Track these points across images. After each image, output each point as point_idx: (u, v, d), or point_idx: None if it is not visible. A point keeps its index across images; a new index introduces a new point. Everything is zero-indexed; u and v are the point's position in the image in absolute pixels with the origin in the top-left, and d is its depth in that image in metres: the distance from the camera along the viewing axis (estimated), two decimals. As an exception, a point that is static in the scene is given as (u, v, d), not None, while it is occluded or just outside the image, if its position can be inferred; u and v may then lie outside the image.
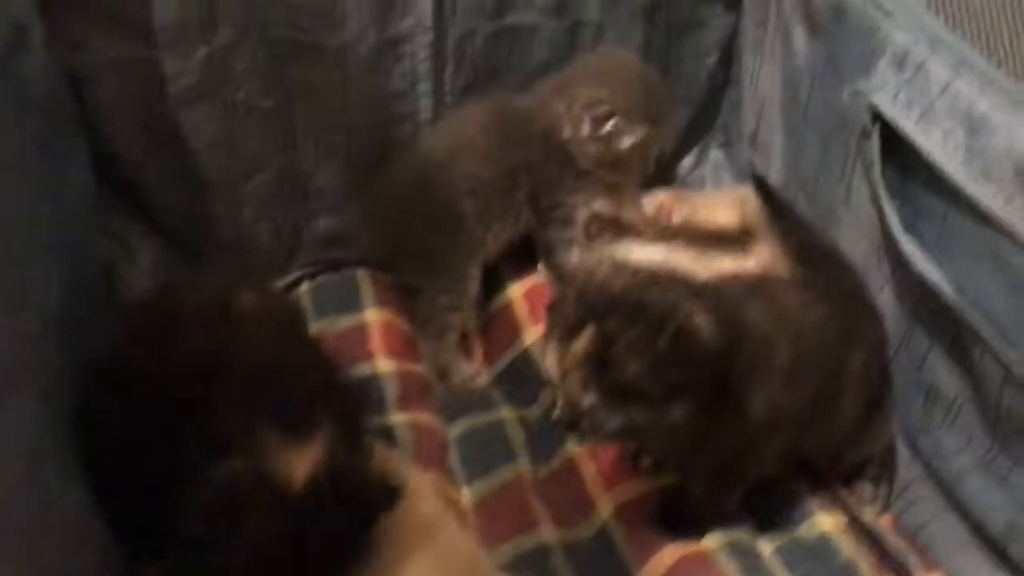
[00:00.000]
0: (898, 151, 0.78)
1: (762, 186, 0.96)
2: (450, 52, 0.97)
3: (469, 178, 0.94)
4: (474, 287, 0.97)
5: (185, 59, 0.87)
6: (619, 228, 1.01)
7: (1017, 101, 0.68)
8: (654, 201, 0.96)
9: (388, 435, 0.85)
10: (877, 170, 0.78)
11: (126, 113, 0.88)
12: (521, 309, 1.00)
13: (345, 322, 0.96)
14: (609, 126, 0.94)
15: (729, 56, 1.07)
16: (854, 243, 0.88)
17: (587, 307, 0.64)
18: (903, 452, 0.85)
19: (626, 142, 0.95)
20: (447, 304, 0.96)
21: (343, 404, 0.66)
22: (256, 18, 0.88)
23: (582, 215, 0.98)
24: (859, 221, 0.86)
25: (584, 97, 0.94)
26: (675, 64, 1.06)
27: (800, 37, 0.93)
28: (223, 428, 0.58)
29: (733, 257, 0.93)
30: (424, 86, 0.98)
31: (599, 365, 0.62)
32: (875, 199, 0.81)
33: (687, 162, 1.15)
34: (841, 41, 0.86)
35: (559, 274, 0.75)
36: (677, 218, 0.95)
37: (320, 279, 1.01)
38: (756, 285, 0.74)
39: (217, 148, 0.93)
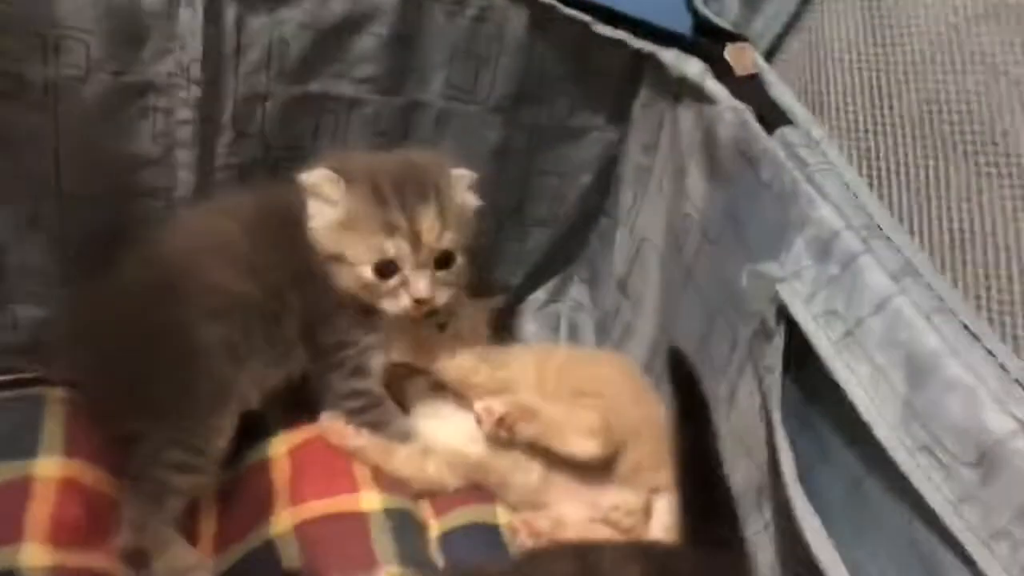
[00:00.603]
0: (809, 363, 0.56)
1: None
2: (227, 117, 0.69)
3: (215, 293, 0.66)
4: (220, 442, 0.68)
5: None
6: (435, 385, 0.76)
7: (978, 349, 0.46)
8: (488, 409, 0.69)
9: None
10: (776, 391, 0.56)
11: None
12: (282, 474, 0.71)
13: (2, 473, 0.64)
14: (316, 177, 0.66)
15: (607, 180, 0.84)
16: (730, 458, 0.65)
17: None
18: None
19: (322, 231, 0.67)
20: (175, 461, 0.66)
21: None
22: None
23: (377, 362, 0.72)
24: (741, 433, 0.64)
25: (316, 173, 0.67)
26: (537, 176, 0.82)
27: (695, 177, 0.72)
28: None
29: (583, 486, 0.69)
30: (184, 155, 0.70)
31: None
32: (766, 418, 0.59)
33: (540, 295, 0.92)
34: (747, 197, 0.64)
35: None
36: (521, 435, 0.69)
37: (-9, 397, 0.70)
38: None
39: None
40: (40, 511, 0.63)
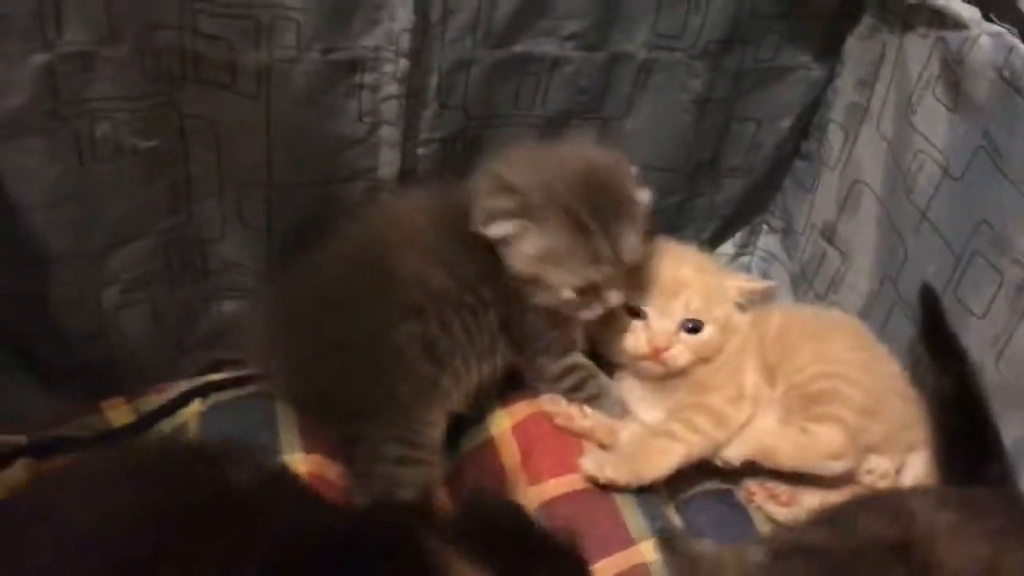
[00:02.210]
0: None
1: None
2: (432, 88, 0.66)
3: (410, 287, 0.63)
4: (434, 434, 0.66)
5: (6, 70, 0.54)
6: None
7: None
8: (725, 461, 0.66)
9: None
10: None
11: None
12: (511, 452, 0.69)
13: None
14: (501, 230, 0.63)
15: (807, 123, 0.79)
16: (999, 411, 0.61)
17: None
18: None
19: (517, 260, 0.64)
20: (395, 455, 0.64)
21: None
22: (128, 15, 0.55)
23: (580, 334, 0.70)
24: (1015, 384, 0.59)
25: (491, 180, 0.64)
26: (736, 123, 0.77)
27: (932, 111, 0.66)
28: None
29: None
30: (389, 132, 0.67)
31: None
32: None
33: (728, 247, 0.88)
34: (1010, 128, 0.59)
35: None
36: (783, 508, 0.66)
37: (216, 398, 0.69)
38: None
39: (60, 206, 0.60)
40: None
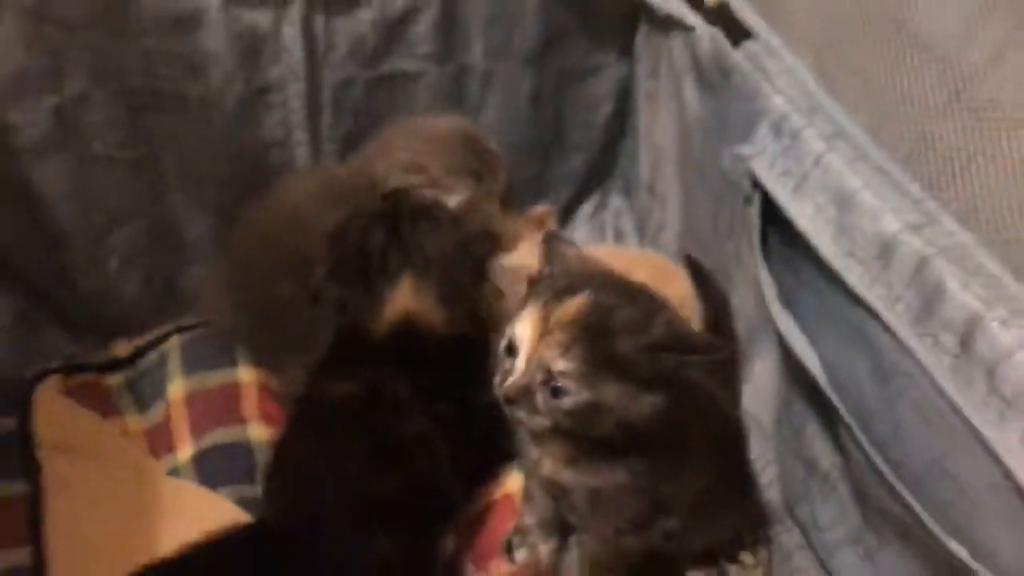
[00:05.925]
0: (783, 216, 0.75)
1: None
2: (326, 101, 0.92)
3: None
4: None
5: (31, 111, 0.81)
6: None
7: (885, 181, 0.65)
8: None
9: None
10: (756, 239, 0.75)
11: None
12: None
13: (215, 379, 0.90)
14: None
15: (625, 105, 1.04)
16: (745, 302, 0.85)
17: (583, 278, 0.64)
18: (785, 521, 0.83)
19: (452, 203, 0.88)
20: None
21: None
22: (110, 67, 0.82)
23: None
24: (749, 281, 0.84)
25: (400, 163, 0.89)
26: (568, 111, 1.03)
27: (691, 90, 0.90)
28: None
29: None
30: (300, 135, 0.93)
31: (592, 332, 0.60)
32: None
33: (587, 208, 1.12)
34: (727, 100, 0.83)
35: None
36: None
37: (191, 333, 0.95)
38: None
39: (74, 200, 0.87)
40: (250, 403, 0.89)
